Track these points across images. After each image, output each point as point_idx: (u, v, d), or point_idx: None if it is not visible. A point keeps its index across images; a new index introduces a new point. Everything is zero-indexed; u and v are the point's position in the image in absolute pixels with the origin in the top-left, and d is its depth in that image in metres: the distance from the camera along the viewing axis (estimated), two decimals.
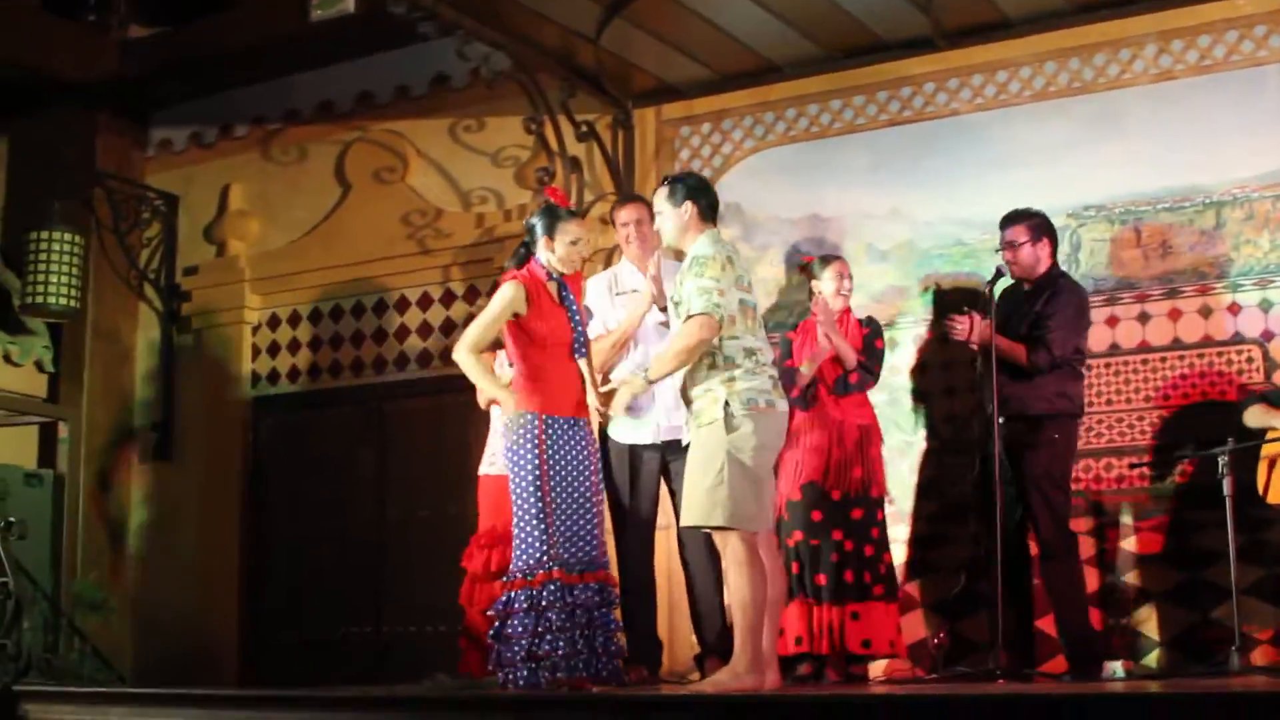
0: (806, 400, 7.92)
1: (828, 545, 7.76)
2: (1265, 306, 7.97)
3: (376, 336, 10.47)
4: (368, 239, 10.45)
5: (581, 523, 6.83)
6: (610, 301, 7.91)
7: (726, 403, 6.44)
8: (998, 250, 7.78)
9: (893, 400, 8.59)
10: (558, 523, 6.75)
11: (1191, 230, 8.17)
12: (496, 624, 6.77)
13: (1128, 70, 8.46)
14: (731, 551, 6.44)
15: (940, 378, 8.58)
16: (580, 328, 6.94)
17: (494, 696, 6.24)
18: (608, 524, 7.38)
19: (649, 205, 7.56)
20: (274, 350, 10.87)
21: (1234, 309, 8.04)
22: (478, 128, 10.25)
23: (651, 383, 6.65)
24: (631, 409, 6.98)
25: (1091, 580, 7.91)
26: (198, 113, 11.34)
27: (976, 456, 7.69)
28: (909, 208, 8.85)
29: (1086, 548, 7.93)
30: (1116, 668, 7.30)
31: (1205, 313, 8.09)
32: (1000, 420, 7.30)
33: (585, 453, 6.88)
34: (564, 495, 6.80)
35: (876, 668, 8.08)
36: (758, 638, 6.41)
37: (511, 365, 7.06)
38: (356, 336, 10.55)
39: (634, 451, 7.77)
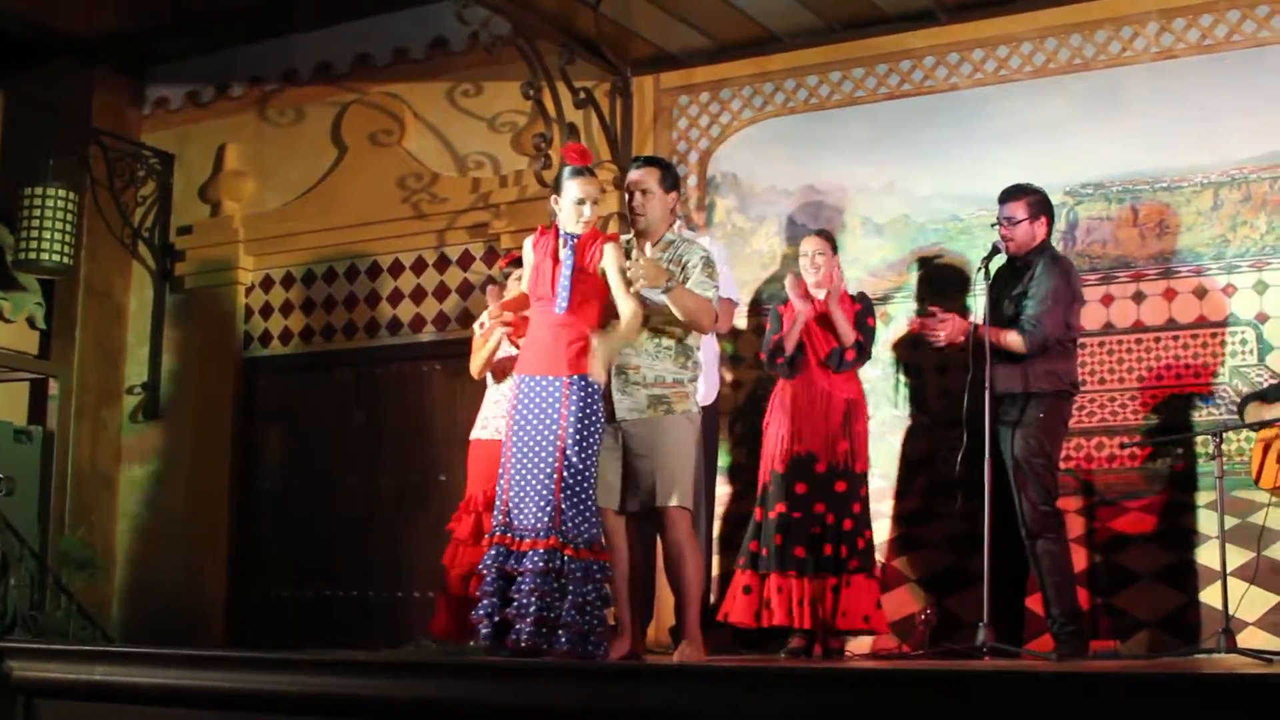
0: (792, 369, 7.94)
1: (809, 518, 7.76)
2: (1260, 289, 7.94)
3: (370, 300, 10.43)
4: (363, 202, 10.41)
5: (527, 488, 6.59)
6: None
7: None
8: (994, 225, 7.75)
9: (885, 375, 8.57)
10: (509, 487, 6.65)
11: (1189, 210, 8.14)
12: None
13: (1129, 48, 8.43)
14: (689, 532, 6.82)
15: (933, 353, 8.53)
16: (563, 288, 6.66)
17: (476, 663, 6.22)
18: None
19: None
20: (266, 312, 10.84)
21: (1229, 290, 8.01)
22: (475, 92, 10.20)
23: (665, 290, 6.69)
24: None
25: (1080, 559, 7.91)
26: (195, 71, 11.30)
27: (964, 432, 7.69)
28: (906, 182, 8.82)
29: (1076, 527, 7.93)
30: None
31: (1200, 294, 8.07)
32: (989, 397, 7.29)
33: (548, 415, 6.59)
34: (515, 458, 6.65)
35: (859, 643, 8.07)
36: None
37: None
38: (350, 299, 10.52)
39: None
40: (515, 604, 6.44)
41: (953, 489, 8.09)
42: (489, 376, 8.16)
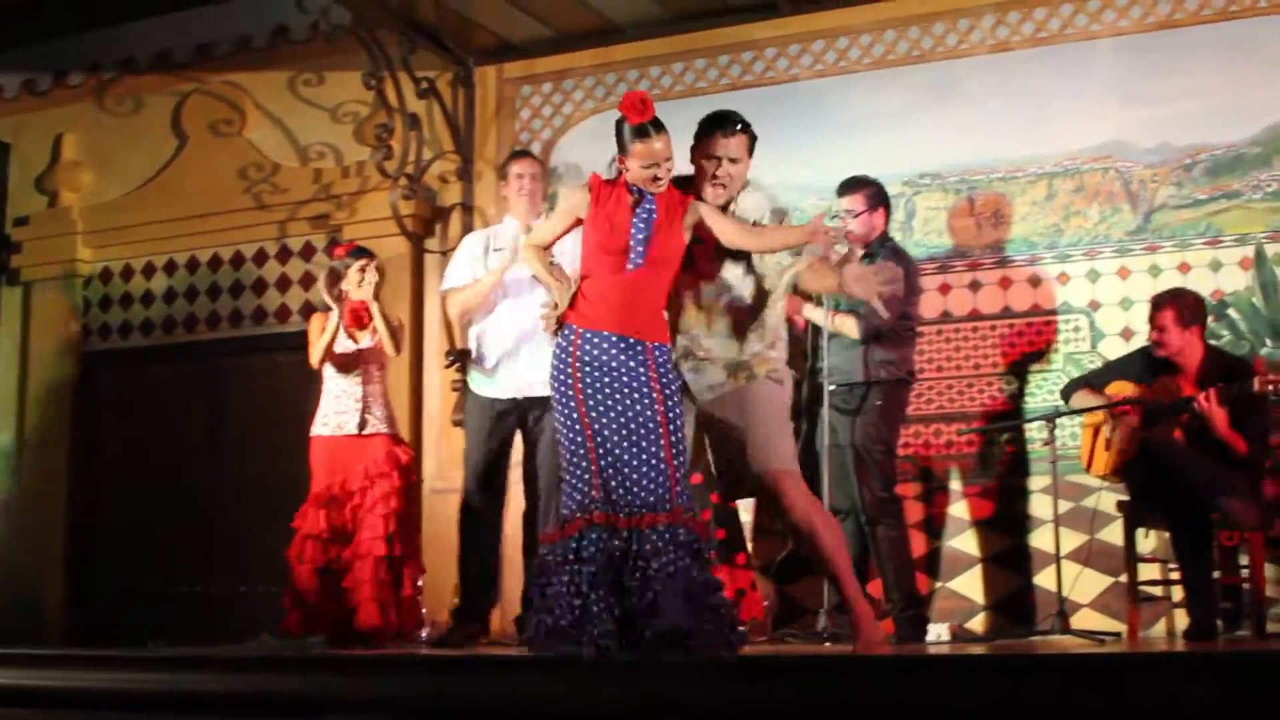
0: None
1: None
2: (1093, 277, 8.10)
3: (211, 292, 10.31)
4: (204, 193, 10.28)
5: (631, 459, 5.64)
6: (484, 261, 7.81)
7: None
8: (833, 218, 7.82)
9: None
10: (598, 459, 5.67)
11: (1023, 200, 8.29)
12: (537, 587, 5.71)
13: (965, 40, 8.55)
14: (809, 495, 6.02)
15: None
16: (643, 244, 5.78)
17: (321, 657, 6.20)
18: None
19: (542, 163, 7.99)
20: (106, 304, 10.68)
21: (1063, 279, 8.16)
22: (317, 82, 10.13)
23: None
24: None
25: (919, 544, 8.02)
26: (31, 59, 11.07)
27: (803, 421, 7.76)
28: (749, 172, 8.82)
29: (915, 512, 8.04)
30: (941, 630, 7.41)
31: (1035, 282, 8.21)
32: (832, 388, 7.37)
33: (636, 378, 5.69)
34: (608, 425, 5.70)
35: None
36: None
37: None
38: (191, 292, 10.38)
39: (492, 405, 7.72)
40: (640, 593, 5.48)
41: None
42: (327, 369, 8.06)
